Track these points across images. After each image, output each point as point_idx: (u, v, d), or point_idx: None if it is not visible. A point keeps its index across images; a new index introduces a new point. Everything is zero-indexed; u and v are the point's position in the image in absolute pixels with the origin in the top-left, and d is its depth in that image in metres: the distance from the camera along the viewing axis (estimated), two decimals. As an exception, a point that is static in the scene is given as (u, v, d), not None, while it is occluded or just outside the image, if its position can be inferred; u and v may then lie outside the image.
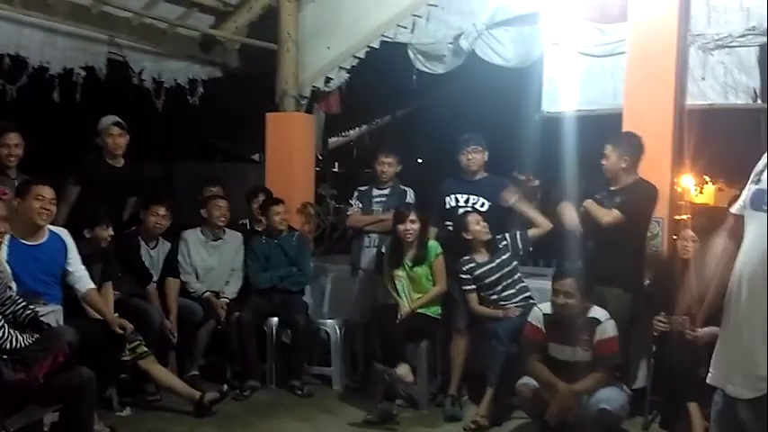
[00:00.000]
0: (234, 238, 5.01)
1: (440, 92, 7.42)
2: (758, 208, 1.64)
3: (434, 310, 4.48)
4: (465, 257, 4.42)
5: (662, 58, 4.33)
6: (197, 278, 4.84)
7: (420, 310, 4.41)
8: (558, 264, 4.34)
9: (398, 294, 4.44)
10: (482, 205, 4.57)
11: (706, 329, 3.47)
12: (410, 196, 4.87)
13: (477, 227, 4.39)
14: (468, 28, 5.13)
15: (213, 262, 4.91)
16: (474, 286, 4.38)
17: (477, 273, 4.38)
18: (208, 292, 4.78)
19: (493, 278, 4.35)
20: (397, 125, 9.78)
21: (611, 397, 3.62)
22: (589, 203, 4.08)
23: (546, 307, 3.85)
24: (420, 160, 10.53)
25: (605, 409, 3.57)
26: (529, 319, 3.91)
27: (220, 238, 4.96)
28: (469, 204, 4.59)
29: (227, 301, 4.80)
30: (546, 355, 3.82)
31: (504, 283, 4.35)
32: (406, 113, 9.55)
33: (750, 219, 1.65)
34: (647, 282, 4.22)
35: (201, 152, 10.17)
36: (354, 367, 4.95)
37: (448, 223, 4.60)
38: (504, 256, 4.40)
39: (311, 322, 4.86)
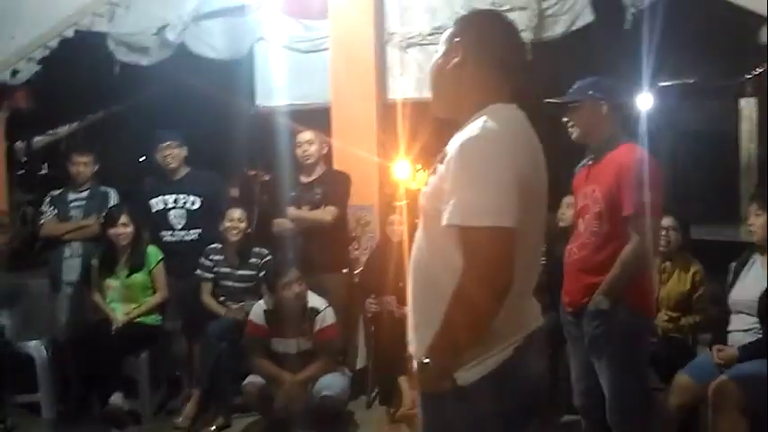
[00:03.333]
0: None
1: (156, 87, 7.03)
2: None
3: (153, 318, 4.24)
4: (216, 246, 4.25)
5: (361, 55, 4.54)
6: None
7: (137, 320, 4.13)
8: (274, 258, 4.34)
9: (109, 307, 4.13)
10: (193, 203, 4.39)
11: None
12: (114, 197, 4.53)
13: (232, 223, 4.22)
14: (172, 19, 4.90)
15: None
16: (212, 276, 4.23)
17: (220, 269, 4.24)
18: None
19: (232, 284, 4.23)
20: (112, 121, 9.08)
21: (332, 383, 3.72)
22: (299, 213, 4.16)
23: (265, 303, 3.84)
24: (142, 159, 9.93)
25: (327, 396, 3.66)
26: (249, 316, 3.87)
27: None
28: (180, 205, 4.38)
29: None
30: (269, 351, 3.82)
31: (241, 295, 4.23)
32: (122, 109, 8.89)
33: None
34: (363, 266, 4.43)
35: None
36: (67, 390, 4.48)
37: (164, 233, 4.36)
38: (249, 272, 4.26)
39: (8, 345, 4.29)
